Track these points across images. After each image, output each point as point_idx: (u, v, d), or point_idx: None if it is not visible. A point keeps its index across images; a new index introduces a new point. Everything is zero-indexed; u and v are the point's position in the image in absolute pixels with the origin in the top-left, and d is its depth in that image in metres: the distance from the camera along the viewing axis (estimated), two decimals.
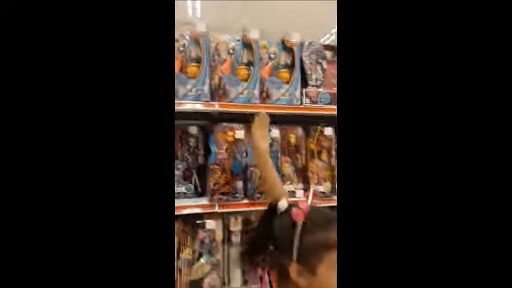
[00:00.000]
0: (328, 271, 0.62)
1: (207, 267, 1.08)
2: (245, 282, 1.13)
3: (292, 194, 1.27)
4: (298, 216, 0.65)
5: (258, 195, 1.19)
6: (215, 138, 1.16)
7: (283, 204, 0.70)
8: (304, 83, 1.33)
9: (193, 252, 1.09)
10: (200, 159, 1.22)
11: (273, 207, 0.71)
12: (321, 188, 1.38)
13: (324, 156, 1.42)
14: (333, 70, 1.50)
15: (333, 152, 1.42)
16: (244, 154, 1.20)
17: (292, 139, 1.36)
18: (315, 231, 0.64)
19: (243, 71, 1.17)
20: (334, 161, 1.42)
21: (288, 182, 1.33)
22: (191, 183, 1.19)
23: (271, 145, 1.29)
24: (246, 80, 1.16)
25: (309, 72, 1.37)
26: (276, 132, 1.27)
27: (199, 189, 1.20)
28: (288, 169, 1.38)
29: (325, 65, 1.46)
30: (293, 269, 0.64)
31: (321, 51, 1.42)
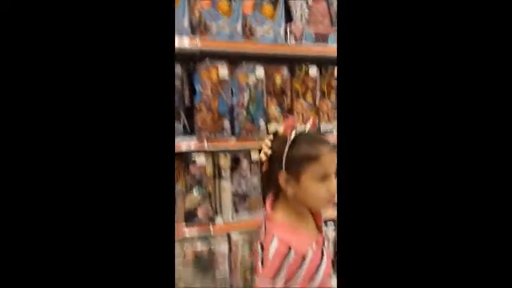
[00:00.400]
0: (308, 180, 0.72)
1: (199, 197, 1.17)
2: (236, 210, 1.24)
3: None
4: (288, 129, 0.74)
5: (246, 134, 1.24)
6: (199, 77, 1.17)
7: (279, 125, 0.79)
8: (289, 19, 1.30)
9: (186, 185, 1.17)
10: (187, 101, 1.23)
11: (274, 133, 0.78)
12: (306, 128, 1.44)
13: (308, 96, 1.45)
14: (319, 7, 1.46)
15: (317, 92, 1.45)
16: (230, 94, 1.22)
17: (278, 80, 1.37)
18: (300, 144, 0.72)
19: (223, 4, 1.13)
20: (318, 102, 1.46)
21: (275, 123, 1.38)
22: (180, 123, 1.22)
23: (256, 86, 1.31)
24: (227, 15, 1.13)
25: (293, 8, 1.33)
26: (261, 72, 1.28)
27: (188, 129, 1.24)
28: (274, 111, 1.41)
29: (310, 2, 1.41)
30: (282, 177, 0.73)
31: None
